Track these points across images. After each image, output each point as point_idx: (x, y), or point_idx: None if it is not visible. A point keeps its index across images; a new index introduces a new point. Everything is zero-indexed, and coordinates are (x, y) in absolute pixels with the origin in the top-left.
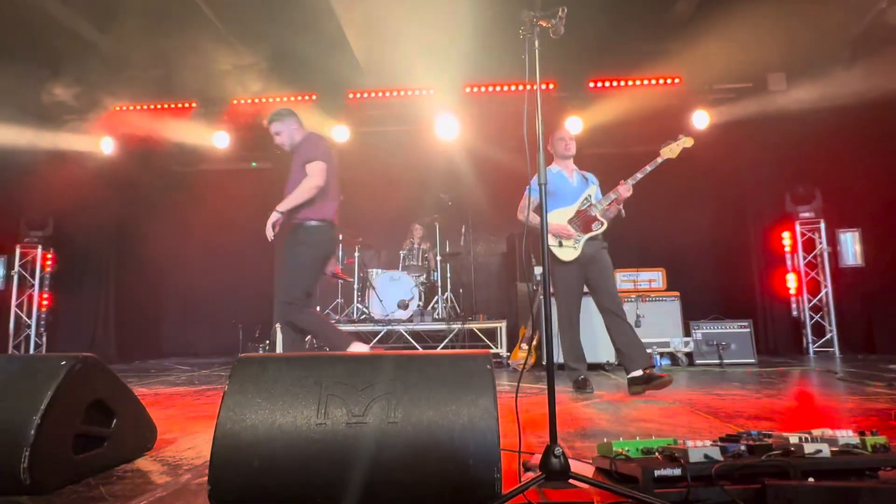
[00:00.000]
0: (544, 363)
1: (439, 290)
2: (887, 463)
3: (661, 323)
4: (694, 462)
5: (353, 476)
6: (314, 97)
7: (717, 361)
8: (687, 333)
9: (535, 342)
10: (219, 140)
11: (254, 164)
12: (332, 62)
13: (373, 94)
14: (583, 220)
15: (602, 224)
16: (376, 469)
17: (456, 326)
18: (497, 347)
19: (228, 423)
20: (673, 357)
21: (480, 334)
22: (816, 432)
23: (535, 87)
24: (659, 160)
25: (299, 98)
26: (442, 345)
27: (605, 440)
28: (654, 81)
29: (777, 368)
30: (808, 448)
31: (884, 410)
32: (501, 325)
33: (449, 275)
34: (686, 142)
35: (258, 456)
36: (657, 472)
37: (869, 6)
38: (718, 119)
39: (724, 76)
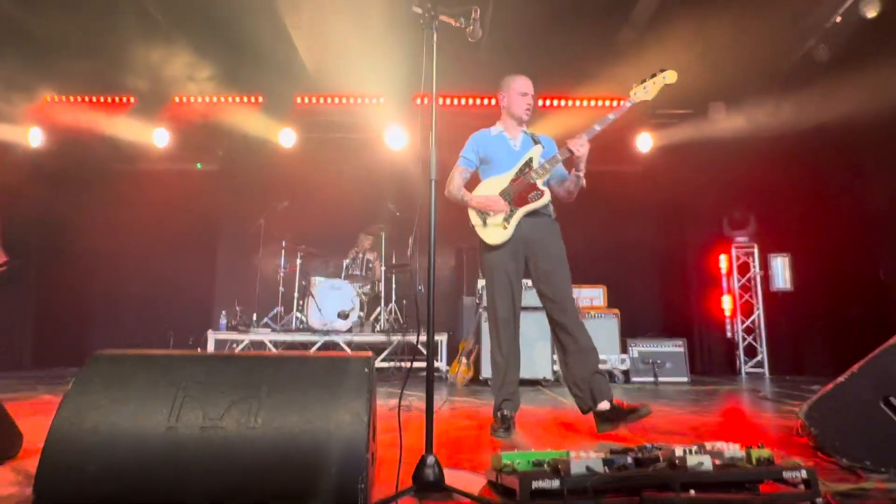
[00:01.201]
0: (482, 377)
1: (382, 301)
2: (768, 476)
3: (599, 340)
4: (575, 474)
5: (202, 485)
6: (260, 99)
7: (653, 379)
8: (624, 351)
9: (473, 356)
10: (158, 138)
11: (199, 165)
12: (280, 65)
13: (321, 100)
14: (517, 190)
15: (541, 194)
16: (228, 477)
17: (395, 339)
18: (437, 361)
19: (65, 426)
20: (610, 374)
21: (420, 347)
22: (708, 445)
23: (432, 87)
24: (627, 104)
25: (245, 100)
26: (381, 357)
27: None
28: (600, 102)
29: (707, 387)
30: (691, 461)
31: (793, 427)
32: (442, 339)
33: (394, 286)
34: (668, 77)
35: (95, 461)
36: (535, 485)
37: (799, 45)
38: (661, 142)
39: (668, 102)
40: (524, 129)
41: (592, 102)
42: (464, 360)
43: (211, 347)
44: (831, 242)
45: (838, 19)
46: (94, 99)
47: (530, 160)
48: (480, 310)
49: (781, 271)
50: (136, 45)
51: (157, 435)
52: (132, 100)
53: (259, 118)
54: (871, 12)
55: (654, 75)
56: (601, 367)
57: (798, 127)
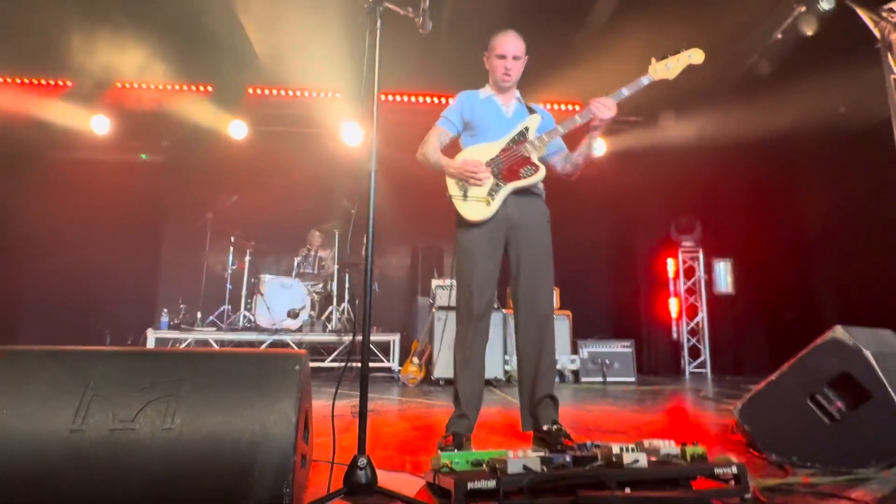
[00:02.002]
0: (434, 378)
1: (335, 300)
2: (700, 472)
3: None
4: (512, 474)
5: (109, 493)
6: (210, 89)
7: (601, 379)
8: (575, 352)
9: (425, 357)
10: (97, 125)
11: (144, 156)
12: (231, 54)
13: (274, 92)
14: (508, 162)
15: (535, 169)
16: (139, 484)
17: (347, 338)
18: (389, 361)
19: None
20: (560, 374)
21: (373, 347)
22: (646, 443)
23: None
24: (644, 80)
25: (194, 88)
26: (331, 357)
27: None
28: (554, 106)
29: (653, 387)
30: (627, 459)
31: (728, 425)
32: (395, 339)
33: (347, 285)
34: (695, 56)
35: None
36: (470, 485)
37: (743, 59)
38: (614, 148)
39: (620, 108)
40: (518, 95)
41: (547, 105)
42: (415, 360)
43: (151, 347)
44: (769, 249)
45: (779, 36)
46: (27, 80)
47: (525, 129)
48: (434, 310)
49: (724, 275)
50: (72, 24)
51: (60, 439)
52: (68, 83)
53: (208, 108)
54: (809, 30)
55: (678, 52)
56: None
57: (742, 138)
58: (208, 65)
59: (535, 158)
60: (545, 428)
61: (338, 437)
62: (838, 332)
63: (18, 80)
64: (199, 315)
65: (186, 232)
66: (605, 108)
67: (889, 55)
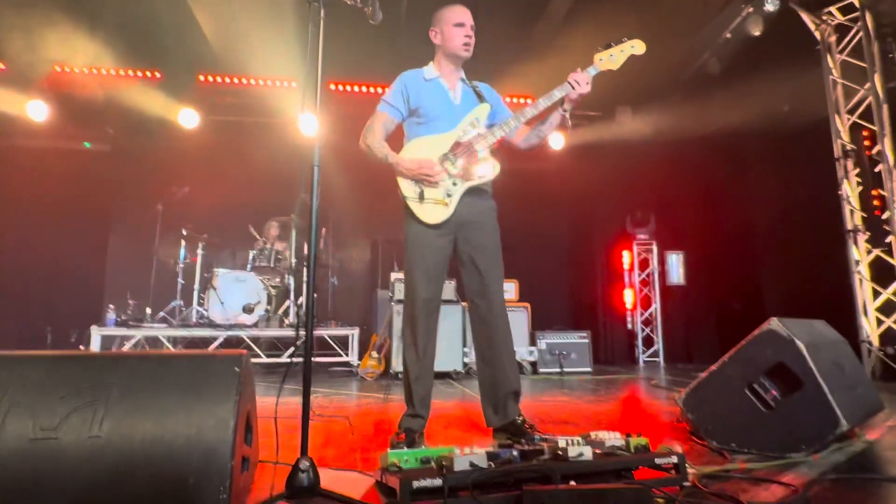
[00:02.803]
0: (392, 371)
1: (292, 294)
2: (642, 463)
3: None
4: (459, 471)
5: None
6: (158, 75)
7: (558, 370)
8: (533, 343)
9: (385, 350)
10: (34, 111)
11: (87, 144)
12: (180, 40)
13: (227, 80)
14: (462, 158)
15: (493, 167)
16: (63, 497)
17: (303, 333)
18: (348, 355)
19: None
20: (519, 366)
21: (331, 342)
22: (592, 435)
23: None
24: (592, 71)
25: (140, 74)
26: (287, 353)
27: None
28: (509, 99)
29: (607, 377)
30: (572, 452)
31: (676, 414)
32: (353, 333)
33: (306, 279)
34: (637, 47)
35: None
36: (416, 484)
37: (695, 56)
38: (572, 142)
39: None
40: (462, 75)
41: (510, 99)
42: (374, 354)
43: (96, 345)
44: (719, 242)
45: (728, 35)
46: None
47: (476, 119)
48: (393, 303)
49: (676, 267)
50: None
51: None
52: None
53: (157, 96)
54: (756, 31)
55: (620, 42)
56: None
57: (694, 134)
58: (156, 50)
59: (489, 153)
60: (509, 421)
61: (293, 435)
62: (774, 323)
63: None
64: (148, 311)
65: (135, 224)
66: (583, 82)
67: (828, 56)
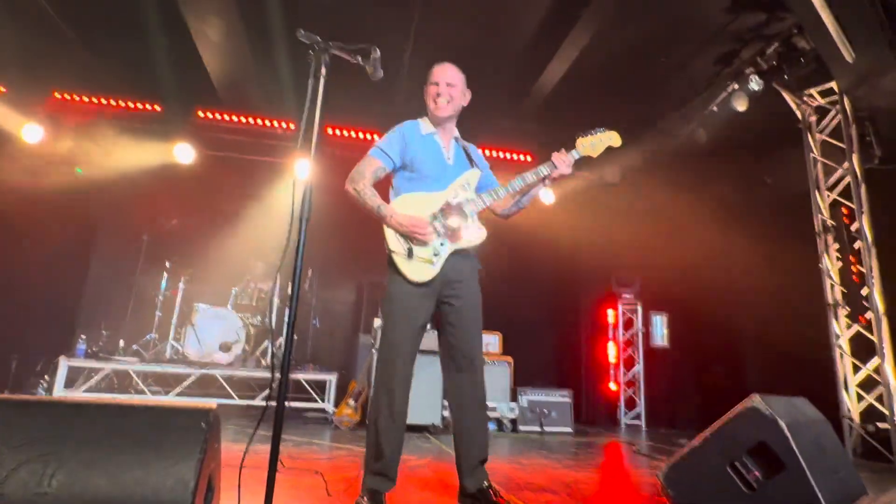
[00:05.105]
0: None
1: (271, 334)
2: None
3: (491, 387)
4: None
5: None
6: (157, 108)
7: (539, 429)
8: (514, 399)
9: (362, 399)
10: (29, 133)
11: (79, 170)
12: (182, 76)
13: (227, 117)
14: (451, 220)
15: (480, 232)
16: None
17: (278, 376)
18: (324, 402)
19: None
20: (499, 422)
21: (308, 386)
22: None
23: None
24: (575, 154)
25: (140, 107)
26: (262, 395)
27: None
28: (511, 156)
29: (588, 438)
30: None
31: (656, 485)
32: (331, 378)
33: (287, 319)
34: (613, 140)
35: None
36: None
37: (682, 127)
38: (561, 198)
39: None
40: (456, 134)
41: (503, 154)
42: (351, 401)
43: (62, 376)
44: (703, 307)
45: (715, 108)
46: None
47: (467, 183)
48: (374, 350)
49: (660, 328)
50: (10, 25)
51: None
52: (1, 89)
53: (155, 129)
54: (741, 107)
55: (599, 130)
56: (491, 415)
57: (681, 200)
58: (157, 84)
59: (477, 218)
60: (476, 488)
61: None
62: (756, 400)
63: None
64: (121, 343)
65: (119, 253)
66: (565, 164)
67: (809, 135)
